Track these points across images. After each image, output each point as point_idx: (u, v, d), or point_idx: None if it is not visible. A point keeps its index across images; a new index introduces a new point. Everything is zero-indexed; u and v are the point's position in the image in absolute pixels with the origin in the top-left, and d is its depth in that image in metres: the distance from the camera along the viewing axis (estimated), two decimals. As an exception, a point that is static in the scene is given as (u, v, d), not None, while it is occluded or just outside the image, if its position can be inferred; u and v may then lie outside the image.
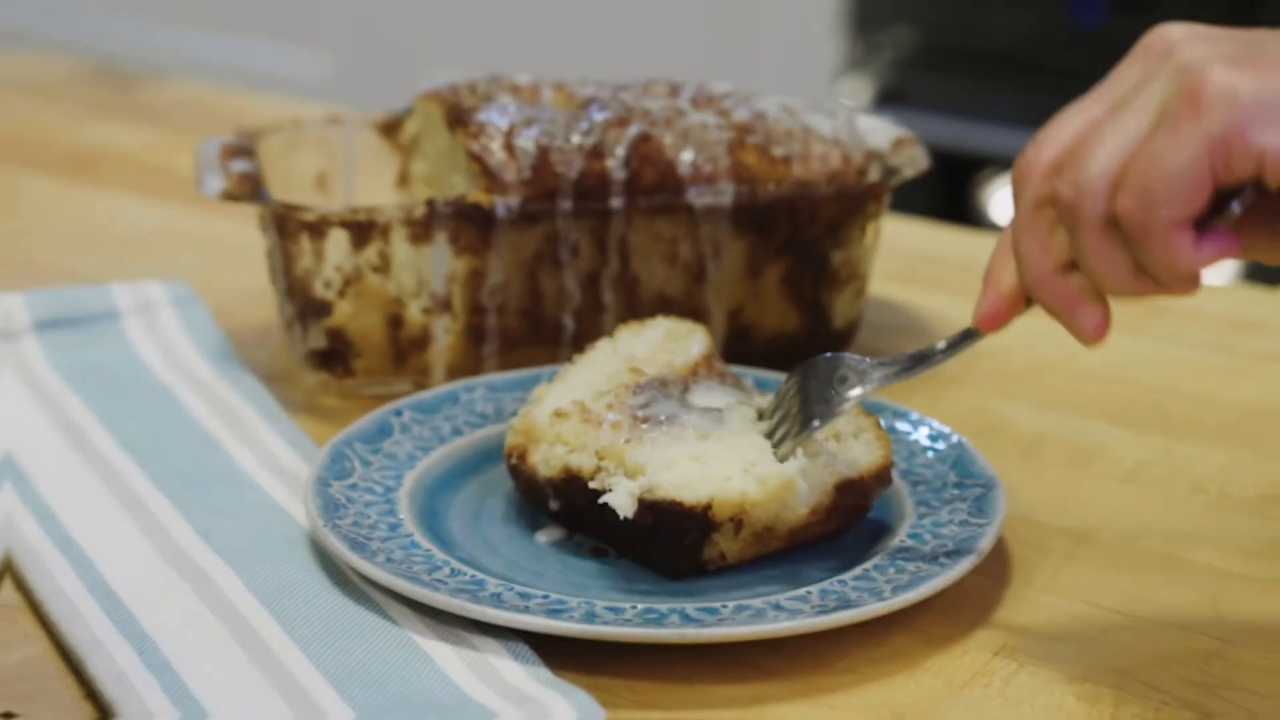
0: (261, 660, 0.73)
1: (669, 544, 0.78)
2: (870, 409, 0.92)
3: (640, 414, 0.83)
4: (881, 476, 0.82)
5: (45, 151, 1.43)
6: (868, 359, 0.80)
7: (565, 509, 0.83)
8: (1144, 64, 0.68)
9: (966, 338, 0.77)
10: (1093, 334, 0.71)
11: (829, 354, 0.81)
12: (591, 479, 0.80)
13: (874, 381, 0.79)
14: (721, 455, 0.79)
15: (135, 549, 0.81)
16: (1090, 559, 0.84)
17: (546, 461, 0.82)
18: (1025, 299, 0.74)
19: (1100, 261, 0.68)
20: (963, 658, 0.76)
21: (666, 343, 0.90)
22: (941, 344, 0.78)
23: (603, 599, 0.77)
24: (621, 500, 0.78)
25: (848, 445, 0.82)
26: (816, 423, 0.79)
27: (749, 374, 0.95)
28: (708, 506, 0.77)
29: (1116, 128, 0.67)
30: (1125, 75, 0.69)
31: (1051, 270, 0.71)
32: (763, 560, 0.81)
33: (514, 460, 0.84)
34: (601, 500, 0.78)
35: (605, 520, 0.80)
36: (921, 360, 0.78)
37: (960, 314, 1.13)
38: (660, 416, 0.83)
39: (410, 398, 0.92)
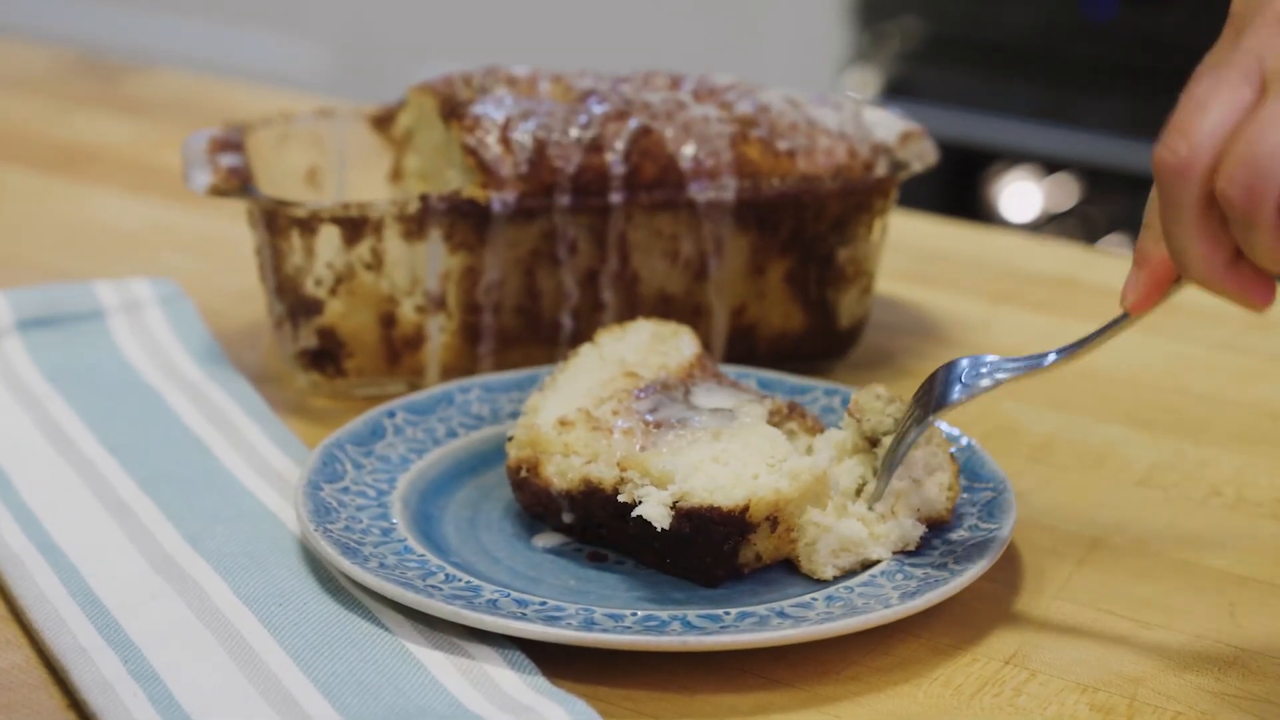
0: (250, 669, 0.73)
1: (707, 551, 0.78)
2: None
3: (650, 418, 0.83)
4: (937, 525, 0.82)
5: (27, 146, 1.43)
6: (1003, 359, 0.78)
7: (581, 521, 0.83)
8: (1273, 31, 0.65)
9: (1116, 324, 0.75)
10: (1265, 306, 0.68)
11: (966, 358, 0.79)
12: (615, 491, 0.80)
13: (1007, 372, 0.77)
14: (741, 454, 0.80)
15: (121, 554, 0.81)
16: (1103, 564, 0.84)
17: (562, 474, 0.82)
18: (1178, 279, 0.71)
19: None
20: (972, 666, 0.76)
21: (654, 345, 0.90)
22: (1087, 335, 0.76)
23: (602, 605, 0.77)
24: (656, 512, 0.78)
25: (923, 484, 0.82)
26: (931, 418, 0.78)
27: (751, 374, 0.95)
28: (745, 508, 0.77)
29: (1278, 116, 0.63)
30: (1255, 44, 0.65)
31: (1224, 264, 0.67)
32: (766, 565, 0.81)
33: (524, 473, 0.84)
34: (635, 514, 0.78)
35: (629, 532, 0.80)
36: (1065, 351, 0.76)
37: (969, 312, 1.13)
38: (672, 420, 0.83)
39: (404, 399, 0.92)
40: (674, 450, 0.81)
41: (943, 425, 0.90)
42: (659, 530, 0.78)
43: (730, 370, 0.95)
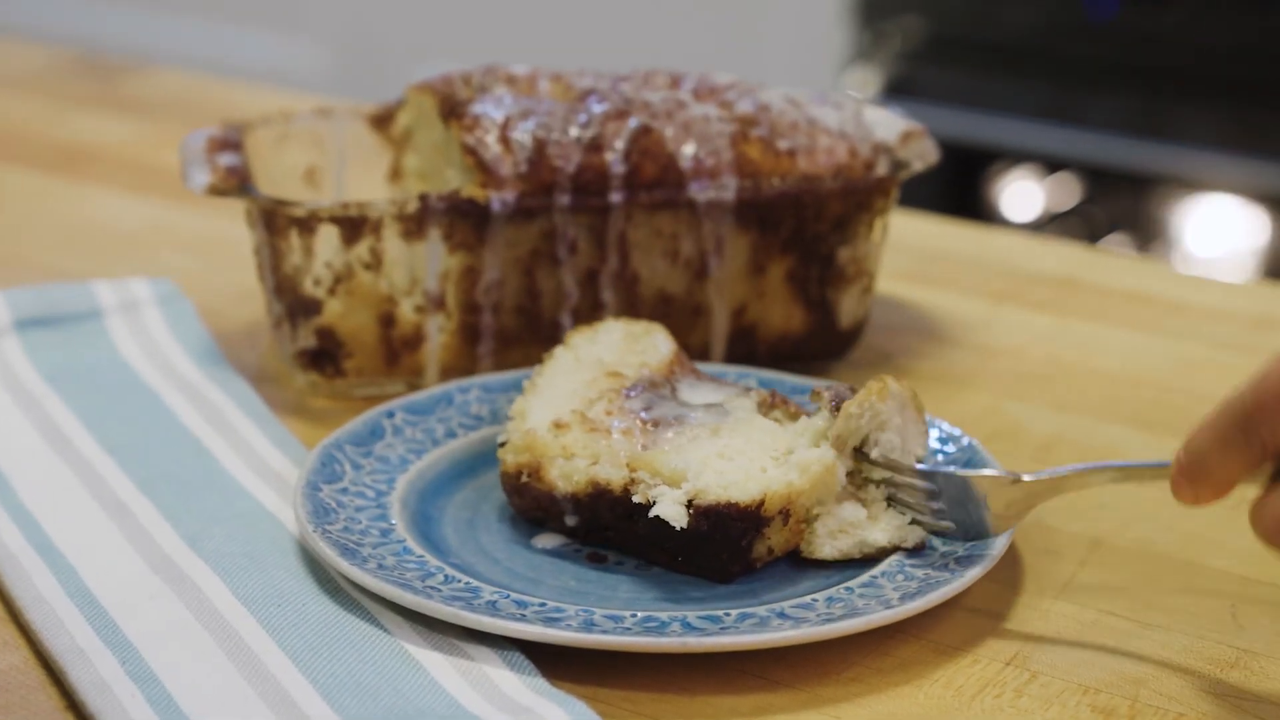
0: (249, 670, 0.73)
1: (723, 547, 0.79)
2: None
3: (647, 417, 0.84)
4: None
5: (25, 146, 1.43)
6: (1008, 475, 0.79)
7: (586, 523, 0.83)
8: None
9: (1143, 479, 0.76)
10: None
11: (979, 474, 0.80)
12: (624, 491, 0.80)
13: (1023, 513, 0.79)
14: (745, 448, 0.80)
15: (119, 555, 0.81)
16: (1105, 565, 0.84)
17: (567, 476, 0.82)
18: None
19: None
20: (973, 668, 0.76)
21: (629, 344, 0.90)
22: (1112, 471, 0.77)
23: (602, 607, 0.77)
24: (673, 511, 0.78)
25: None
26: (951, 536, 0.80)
27: (753, 374, 0.95)
28: (760, 503, 0.78)
29: None
30: None
31: None
32: (767, 566, 0.81)
33: (525, 478, 0.83)
34: (652, 514, 0.78)
35: (639, 532, 0.80)
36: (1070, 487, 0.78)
37: (970, 312, 1.13)
38: (669, 418, 0.83)
39: (403, 399, 0.92)
40: (677, 448, 0.81)
41: (943, 424, 0.90)
42: (676, 529, 0.78)
43: (731, 370, 0.95)
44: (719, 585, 0.80)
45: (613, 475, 0.81)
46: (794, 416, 0.85)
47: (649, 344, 0.90)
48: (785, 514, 0.79)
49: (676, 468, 0.79)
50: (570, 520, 0.83)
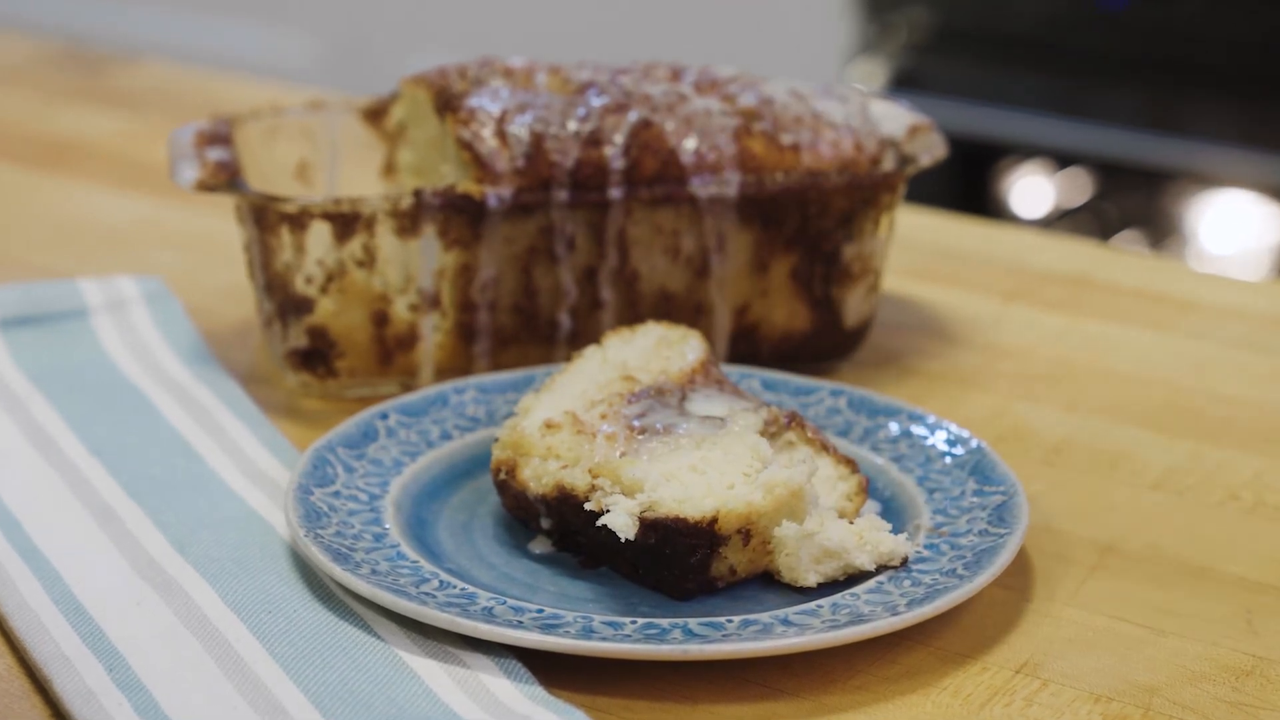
0: (239, 678, 0.73)
1: (675, 563, 0.78)
2: (883, 412, 0.92)
3: (636, 424, 0.83)
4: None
5: (9, 140, 1.43)
6: None
7: (559, 528, 0.83)
8: None
9: None
10: None
11: None
12: (586, 498, 0.80)
13: None
14: (720, 463, 0.79)
15: (105, 560, 0.81)
16: (1117, 571, 0.84)
17: (538, 478, 0.82)
18: None
19: None
20: (982, 676, 0.76)
21: (660, 349, 0.90)
22: None
23: (601, 613, 0.77)
24: (621, 521, 0.77)
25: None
26: None
27: (755, 375, 0.95)
28: (713, 520, 0.77)
29: None
30: None
31: None
32: (743, 579, 0.80)
33: (502, 476, 0.83)
34: (600, 523, 0.78)
35: (604, 541, 0.79)
36: None
37: (979, 311, 1.13)
38: (658, 426, 0.83)
39: (396, 400, 0.92)
40: (654, 457, 0.80)
41: (951, 426, 0.90)
42: (624, 541, 0.77)
43: (733, 371, 0.95)
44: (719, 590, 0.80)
45: (578, 480, 0.80)
46: (812, 442, 0.84)
47: (679, 350, 0.90)
48: (745, 534, 0.78)
49: (635, 477, 0.78)
50: (545, 522, 0.83)
